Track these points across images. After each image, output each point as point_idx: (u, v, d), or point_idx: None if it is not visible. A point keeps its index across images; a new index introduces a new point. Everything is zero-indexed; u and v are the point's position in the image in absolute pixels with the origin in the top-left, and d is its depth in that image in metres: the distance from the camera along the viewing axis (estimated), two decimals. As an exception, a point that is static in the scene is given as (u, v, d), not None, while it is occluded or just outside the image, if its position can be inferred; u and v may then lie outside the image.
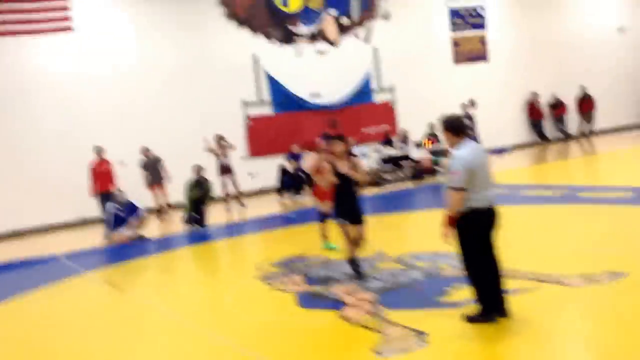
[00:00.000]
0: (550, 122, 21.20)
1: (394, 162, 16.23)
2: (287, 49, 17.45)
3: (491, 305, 5.26)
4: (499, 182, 5.86)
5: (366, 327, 5.55)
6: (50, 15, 14.58)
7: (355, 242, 7.24)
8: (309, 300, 6.65)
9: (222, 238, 11.64)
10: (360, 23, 18.36)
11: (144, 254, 10.69)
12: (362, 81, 18.32)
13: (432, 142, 16.17)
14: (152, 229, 12.66)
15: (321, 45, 17.84)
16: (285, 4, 17.37)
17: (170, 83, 16.05)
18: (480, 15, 20.09)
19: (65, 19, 14.84)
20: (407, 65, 18.70)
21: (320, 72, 17.61)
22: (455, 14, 19.74)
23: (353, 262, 7.27)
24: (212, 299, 7.69)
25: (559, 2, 21.50)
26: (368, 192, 15.07)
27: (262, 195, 16.43)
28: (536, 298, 5.75)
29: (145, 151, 14.37)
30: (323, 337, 5.67)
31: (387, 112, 18.57)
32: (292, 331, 5.84)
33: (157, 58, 15.96)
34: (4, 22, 14.21)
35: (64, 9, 14.81)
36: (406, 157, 16.22)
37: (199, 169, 12.66)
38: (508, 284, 5.55)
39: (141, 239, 11.81)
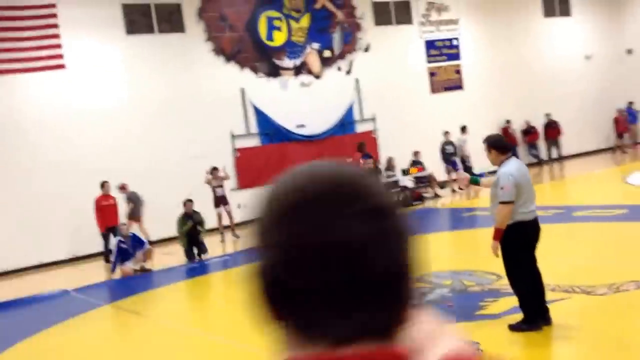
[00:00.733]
0: (523, 148, 22.00)
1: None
2: (273, 82, 17.86)
3: (536, 313, 5.62)
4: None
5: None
6: (43, 53, 14.70)
7: None
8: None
9: (231, 267, 11.69)
10: (342, 56, 18.91)
11: (155, 286, 10.78)
12: (345, 111, 18.81)
13: (418, 170, 16.68)
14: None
15: (305, 77, 18.30)
16: (270, 39, 17.82)
17: (160, 116, 16.23)
18: (454, 47, 20.89)
19: (58, 56, 14.96)
20: (387, 95, 19.29)
21: (305, 103, 18.03)
22: (430, 45, 20.49)
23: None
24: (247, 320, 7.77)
25: (528, 31, 22.48)
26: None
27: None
28: (569, 307, 6.14)
29: (123, 187, 14.37)
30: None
31: (369, 141, 19.06)
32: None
33: (146, 92, 16.15)
34: (1, 61, 14.29)
35: (57, 46, 14.95)
36: (395, 184, 16.66)
37: (187, 203, 12.74)
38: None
39: (145, 271, 11.87)
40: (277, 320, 0.80)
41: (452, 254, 9.42)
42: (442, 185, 18.17)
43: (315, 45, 18.47)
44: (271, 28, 17.83)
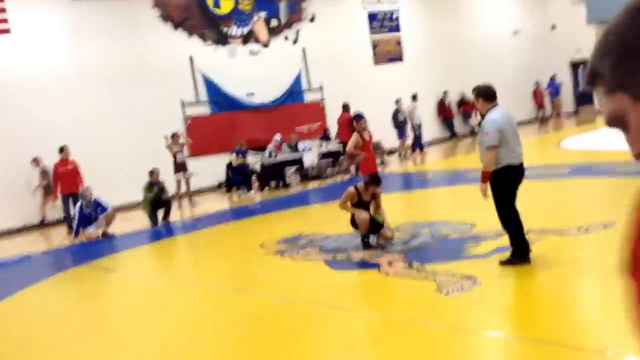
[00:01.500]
0: (458, 118, 22.93)
1: (333, 157, 17.07)
2: (222, 50, 17.86)
3: (525, 248, 6.18)
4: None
5: (412, 279, 6.30)
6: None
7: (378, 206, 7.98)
8: (338, 265, 7.27)
9: (200, 229, 11.71)
10: (288, 25, 19.09)
11: (124, 248, 10.79)
12: (293, 81, 19.05)
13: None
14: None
15: (253, 46, 18.39)
16: (217, 6, 17.78)
17: (108, 83, 15.97)
18: (395, 19, 21.44)
19: (2, 21, 14.45)
20: (333, 65, 19.64)
21: (254, 72, 18.13)
22: (373, 17, 20.95)
23: (368, 234, 7.94)
24: (240, 271, 7.93)
25: (462, 7, 23.33)
26: (314, 185, 15.83)
27: (202, 194, 16.64)
28: (547, 245, 6.73)
29: (35, 160, 14.05)
30: (380, 288, 6.35)
31: (317, 110, 19.42)
32: (347, 286, 6.47)
33: (93, 59, 15.82)
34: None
35: (1, 10, 14.43)
36: (344, 152, 17.09)
37: (153, 173, 12.65)
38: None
39: (108, 236, 11.82)
40: None
41: (421, 211, 9.95)
42: (391, 152, 18.86)
43: (262, 14, 18.56)
44: (218, -5, 17.80)
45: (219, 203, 14.94)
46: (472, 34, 23.34)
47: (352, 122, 16.14)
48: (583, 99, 25.07)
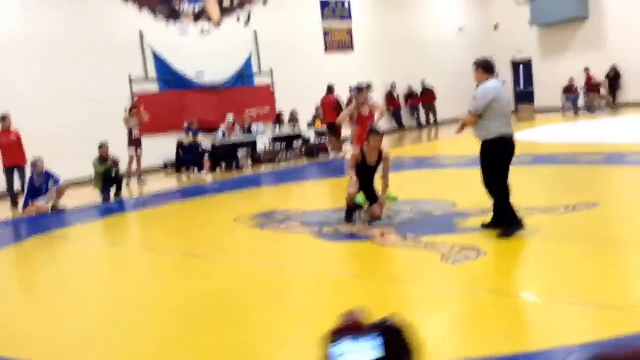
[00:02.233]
0: (405, 111, 23.11)
1: (287, 141, 16.80)
2: (172, 27, 17.26)
3: (516, 217, 6.17)
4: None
5: (410, 249, 6.15)
6: None
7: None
8: (328, 236, 7.02)
9: (161, 205, 11.11)
10: (241, 6, 18.66)
11: (75, 222, 10.17)
12: (244, 64, 18.65)
13: (321, 124, 17.05)
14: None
15: (205, 24, 17.87)
16: (169, -20, 17.17)
17: (55, 55, 15.14)
18: (346, 8, 21.37)
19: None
20: (284, 50, 19.38)
21: (205, 52, 17.65)
22: (325, 5, 20.80)
23: (353, 207, 7.76)
24: (220, 241, 7.57)
25: (412, 2, 23.52)
26: (267, 168, 15.53)
27: (148, 174, 16.00)
28: (536, 222, 6.73)
29: None
30: (382, 257, 6.16)
31: (267, 95, 19.09)
32: (347, 254, 6.26)
33: (39, 28, 14.94)
34: None
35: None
36: (298, 137, 16.88)
37: (102, 147, 12.01)
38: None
39: (58, 210, 11.14)
40: None
41: (396, 191, 9.83)
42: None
43: (215, -8, 18.07)
44: (172, -31, 17.18)
45: (168, 183, 14.41)
46: (420, 29, 23.59)
47: (337, 104, 16.06)
48: (523, 97, 25.82)
